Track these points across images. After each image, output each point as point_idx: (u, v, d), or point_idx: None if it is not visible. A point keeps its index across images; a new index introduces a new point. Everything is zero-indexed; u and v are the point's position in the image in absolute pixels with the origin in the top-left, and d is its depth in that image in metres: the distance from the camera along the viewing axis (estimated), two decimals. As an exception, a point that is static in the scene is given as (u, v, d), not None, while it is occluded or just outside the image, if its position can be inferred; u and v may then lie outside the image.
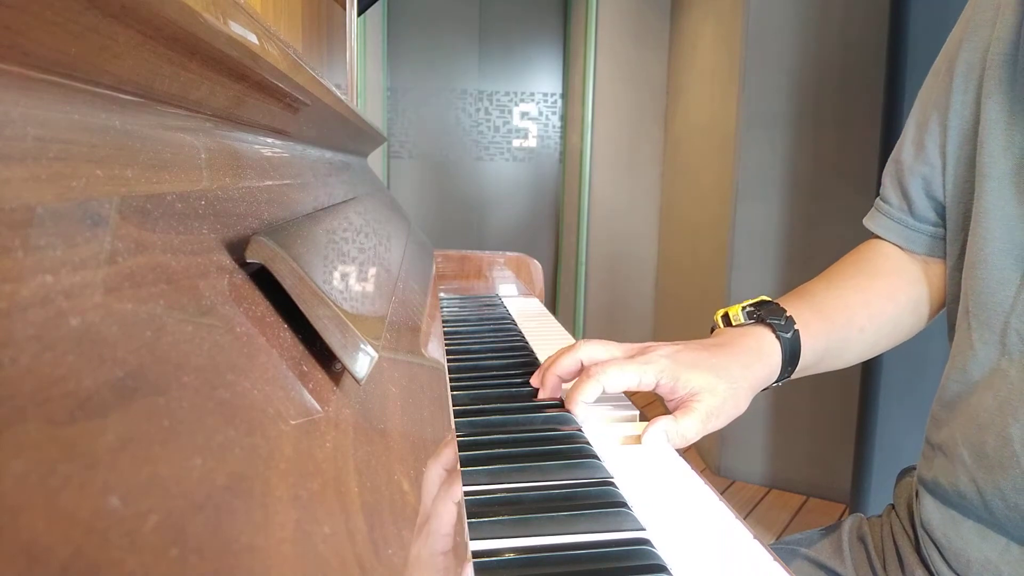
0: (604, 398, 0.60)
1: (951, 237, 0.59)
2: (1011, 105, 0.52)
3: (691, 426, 0.51)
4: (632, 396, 0.62)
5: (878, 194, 0.67)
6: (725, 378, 0.53)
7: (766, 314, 0.59)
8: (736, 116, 2.02)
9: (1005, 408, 0.50)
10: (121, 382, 0.15)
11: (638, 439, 0.52)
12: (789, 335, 0.58)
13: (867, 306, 0.62)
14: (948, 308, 0.61)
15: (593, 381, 0.53)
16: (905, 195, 0.63)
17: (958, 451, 0.53)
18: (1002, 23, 0.53)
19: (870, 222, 0.67)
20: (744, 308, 0.61)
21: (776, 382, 0.59)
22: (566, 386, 0.58)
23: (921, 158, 0.60)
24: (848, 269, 0.66)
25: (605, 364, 0.54)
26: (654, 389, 0.54)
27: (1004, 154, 0.51)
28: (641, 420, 0.57)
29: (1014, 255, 0.51)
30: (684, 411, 0.52)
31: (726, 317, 0.62)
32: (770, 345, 0.58)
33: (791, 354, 0.58)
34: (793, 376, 0.60)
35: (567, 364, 0.57)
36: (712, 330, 0.63)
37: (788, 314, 0.59)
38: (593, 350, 0.56)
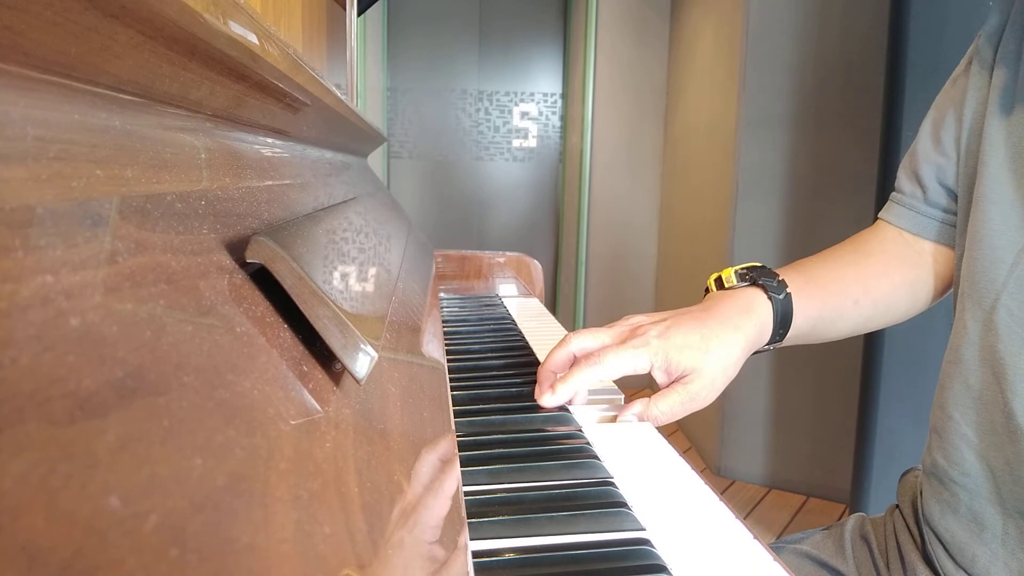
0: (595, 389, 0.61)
1: (960, 229, 0.60)
2: (1014, 96, 0.53)
3: (665, 407, 0.53)
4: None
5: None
6: (716, 348, 0.54)
7: (758, 275, 0.60)
8: (736, 116, 2.02)
9: (1003, 383, 0.51)
10: (121, 382, 0.15)
11: (613, 418, 0.55)
12: (781, 296, 0.59)
13: (861, 280, 0.63)
14: (954, 297, 0.61)
15: (590, 369, 0.53)
16: (919, 182, 0.63)
17: (962, 431, 0.54)
18: (1012, 22, 0.55)
19: (884, 212, 0.67)
20: (736, 271, 0.62)
21: (768, 345, 0.60)
22: None
23: (938, 149, 0.61)
24: (844, 247, 0.67)
25: (601, 352, 0.54)
26: (649, 372, 0.55)
27: (1005, 142, 0.53)
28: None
29: (1008, 236, 0.52)
30: (664, 393, 0.54)
31: (719, 281, 0.63)
32: (762, 304, 0.59)
33: (783, 316, 0.59)
34: (785, 342, 0.61)
35: (560, 358, 0.57)
36: (706, 292, 0.63)
37: (781, 278, 0.60)
38: (583, 340, 0.57)
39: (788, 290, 0.59)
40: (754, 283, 0.60)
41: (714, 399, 0.55)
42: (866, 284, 0.63)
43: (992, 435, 0.52)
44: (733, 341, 0.55)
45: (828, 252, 0.67)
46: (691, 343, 0.54)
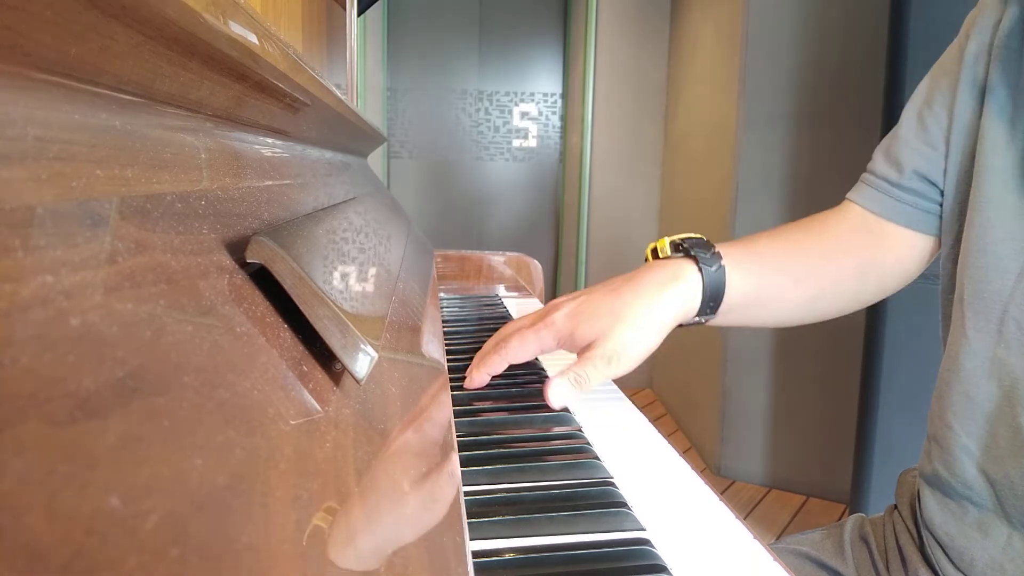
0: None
1: (947, 227, 0.58)
2: (1015, 97, 0.51)
3: (582, 371, 0.54)
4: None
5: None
6: (626, 318, 0.55)
7: (691, 246, 0.59)
8: (736, 116, 2.02)
9: (1012, 397, 0.49)
10: (121, 382, 0.15)
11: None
12: (713, 268, 0.58)
13: (806, 259, 0.62)
14: (943, 299, 0.60)
15: (497, 356, 0.58)
16: (896, 165, 0.61)
17: (962, 442, 0.53)
18: (1008, 15, 0.52)
19: (852, 193, 0.65)
20: (672, 241, 0.61)
21: (699, 318, 0.59)
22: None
23: (923, 138, 0.59)
24: (798, 224, 0.65)
25: (507, 339, 0.58)
26: (558, 348, 0.57)
27: (1008, 146, 0.51)
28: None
29: (1014, 246, 0.50)
30: (581, 360, 0.55)
31: (655, 251, 0.63)
32: (690, 275, 0.58)
33: (713, 289, 0.58)
34: (719, 318, 0.60)
35: (487, 346, 0.61)
36: (645, 261, 0.63)
37: (716, 250, 0.59)
38: (506, 328, 0.61)
39: (722, 263, 0.58)
40: (687, 254, 0.59)
41: (638, 362, 0.55)
42: (809, 263, 0.61)
43: (994, 448, 0.51)
44: (645, 313, 0.55)
45: (781, 228, 0.64)
46: (600, 314, 0.55)
